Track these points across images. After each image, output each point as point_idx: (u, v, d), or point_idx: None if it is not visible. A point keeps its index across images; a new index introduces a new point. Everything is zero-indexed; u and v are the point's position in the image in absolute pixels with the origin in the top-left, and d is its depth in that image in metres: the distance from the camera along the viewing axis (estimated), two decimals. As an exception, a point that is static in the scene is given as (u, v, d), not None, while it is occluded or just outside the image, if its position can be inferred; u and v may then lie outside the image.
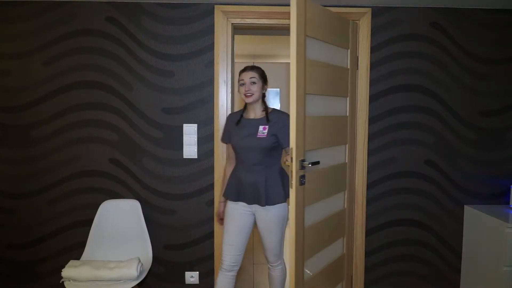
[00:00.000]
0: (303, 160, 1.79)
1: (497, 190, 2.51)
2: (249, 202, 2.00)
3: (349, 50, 2.28)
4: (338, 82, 2.16)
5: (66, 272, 2.03)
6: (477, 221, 2.38)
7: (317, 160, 1.87)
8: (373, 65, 2.43)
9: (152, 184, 2.41)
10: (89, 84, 2.36)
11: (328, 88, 2.06)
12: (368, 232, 2.50)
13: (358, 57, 2.41)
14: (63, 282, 2.06)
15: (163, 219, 2.42)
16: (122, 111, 2.38)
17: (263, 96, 2.04)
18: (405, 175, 2.48)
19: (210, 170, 2.41)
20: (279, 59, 4.88)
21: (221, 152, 2.40)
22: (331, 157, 2.14)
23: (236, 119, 2.07)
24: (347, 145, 2.33)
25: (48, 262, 2.42)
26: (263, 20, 2.40)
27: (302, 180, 1.79)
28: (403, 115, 2.46)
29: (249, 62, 4.65)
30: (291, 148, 1.74)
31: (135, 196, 2.41)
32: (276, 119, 1.97)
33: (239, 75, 2.00)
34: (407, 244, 2.52)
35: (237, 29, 2.53)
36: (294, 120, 1.73)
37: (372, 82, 2.43)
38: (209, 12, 2.36)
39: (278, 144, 1.97)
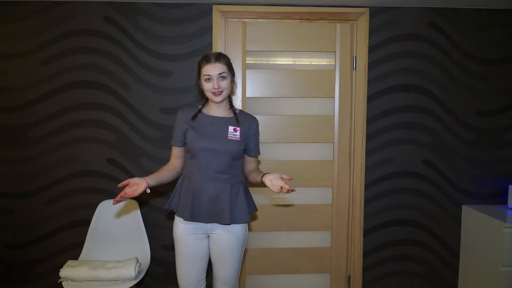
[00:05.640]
0: None
1: (495, 190, 2.51)
2: (207, 220, 1.64)
3: (336, 53, 2.42)
4: (316, 85, 2.43)
5: (64, 272, 2.03)
6: (474, 221, 2.39)
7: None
8: (371, 65, 2.43)
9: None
10: (87, 84, 2.36)
11: (299, 91, 2.41)
12: (366, 232, 2.50)
13: (355, 57, 2.42)
14: (61, 282, 2.06)
15: (161, 219, 2.42)
16: (120, 111, 2.38)
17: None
18: (403, 175, 2.49)
19: (208, 170, 2.41)
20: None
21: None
22: (301, 152, 2.45)
23: (190, 115, 1.70)
24: (334, 144, 2.47)
25: (46, 262, 2.42)
26: (261, 20, 2.40)
27: None
28: (401, 115, 2.46)
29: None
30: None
31: (133, 196, 2.40)
32: (247, 123, 1.70)
33: (202, 66, 1.64)
34: (405, 244, 2.53)
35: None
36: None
37: (370, 82, 2.44)
38: (207, 12, 2.36)
39: (244, 150, 1.72)
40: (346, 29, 2.43)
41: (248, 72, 2.42)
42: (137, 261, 2.11)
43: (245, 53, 2.41)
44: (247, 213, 1.66)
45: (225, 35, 2.38)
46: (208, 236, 1.72)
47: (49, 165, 2.38)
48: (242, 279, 2.50)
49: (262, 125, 2.44)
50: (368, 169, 2.47)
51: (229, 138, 1.65)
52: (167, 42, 2.36)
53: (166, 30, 2.36)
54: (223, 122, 1.68)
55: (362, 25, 2.40)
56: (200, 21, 2.36)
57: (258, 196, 2.48)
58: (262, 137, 2.44)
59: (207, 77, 1.63)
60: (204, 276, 1.77)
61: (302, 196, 2.50)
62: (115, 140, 2.39)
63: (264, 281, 2.53)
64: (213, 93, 1.63)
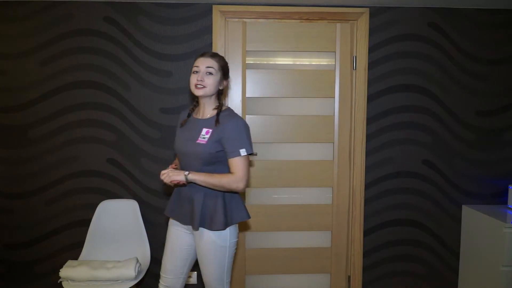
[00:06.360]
0: None
1: (495, 190, 2.51)
2: (183, 221, 1.66)
3: (336, 53, 2.42)
4: (316, 85, 2.43)
5: (64, 272, 2.03)
6: (475, 221, 2.39)
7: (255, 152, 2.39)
8: (371, 65, 2.43)
9: (150, 184, 2.41)
10: (87, 84, 2.36)
11: (299, 91, 2.42)
12: (366, 232, 2.50)
13: (355, 57, 2.42)
14: (61, 282, 2.06)
15: (161, 219, 2.42)
16: (120, 111, 2.38)
17: (220, 93, 1.67)
18: (403, 175, 2.49)
19: (208, 170, 2.41)
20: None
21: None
22: (301, 152, 2.47)
23: (183, 118, 1.73)
24: (334, 144, 2.46)
25: (46, 262, 2.42)
26: (261, 20, 2.40)
27: None
28: (401, 115, 2.46)
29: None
30: None
31: (133, 196, 2.41)
32: (223, 125, 1.59)
33: (195, 60, 1.64)
34: (405, 244, 2.52)
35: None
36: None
37: (370, 82, 2.44)
38: (207, 12, 2.36)
39: (223, 154, 1.60)
40: (346, 29, 2.43)
41: (248, 72, 2.42)
42: (137, 261, 2.11)
43: (245, 53, 2.41)
44: (222, 222, 1.58)
45: (225, 35, 2.38)
46: (193, 235, 1.71)
47: (49, 165, 2.37)
48: (242, 279, 2.49)
49: (262, 125, 2.44)
50: (368, 169, 2.47)
51: (197, 141, 1.60)
52: (167, 42, 2.36)
53: (166, 30, 2.36)
54: (201, 124, 1.64)
55: (362, 25, 2.40)
56: (200, 21, 2.36)
57: (258, 196, 2.48)
58: (262, 137, 2.44)
59: (195, 69, 1.61)
60: (184, 271, 1.75)
61: (302, 196, 2.50)
62: (115, 140, 2.39)
63: (264, 281, 2.53)
64: (196, 85, 1.59)
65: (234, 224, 1.65)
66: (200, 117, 1.67)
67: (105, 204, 2.33)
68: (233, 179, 1.56)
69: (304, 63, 2.47)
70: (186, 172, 1.56)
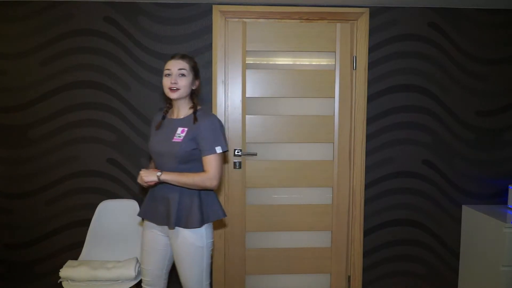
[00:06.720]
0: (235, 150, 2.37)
1: (495, 190, 2.51)
2: (158, 222, 1.66)
3: (336, 53, 2.42)
4: (316, 85, 2.43)
5: (64, 272, 2.03)
6: (475, 221, 2.39)
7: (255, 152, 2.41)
8: (371, 65, 2.43)
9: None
10: (87, 84, 2.36)
11: (299, 91, 2.42)
12: (366, 232, 2.50)
13: (355, 57, 2.42)
14: (61, 282, 2.06)
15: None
16: (120, 111, 2.38)
17: (193, 92, 1.70)
18: (403, 175, 2.49)
19: (208, 170, 2.41)
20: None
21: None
22: (301, 152, 2.47)
23: (158, 120, 1.75)
24: (334, 144, 2.46)
25: (46, 262, 2.42)
26: (261, 20, 2.40)
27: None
28: (401, 115, 2.46)
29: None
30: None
31: (133, 196, 2.41)
32: (199, 123, 1.62)
33: (166, 63, 1.68)
34: (405, 244, 2.52)
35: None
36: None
37: (370, 82, 2.44)
38: (207, 12, 2.36)
39: (199, 152, 1.63)
40: (346, 29, 2.43)
41: (248, 72, 2.42)
42: (137, 261, 2.11)
43: (245, 53, 2.41)
44: (199, 219, 1.59)
45: (225, 35, 2.38)
46: (169, 237, 1.70)
47: (49, 165, 2.38)
48: (242, 279, 2.50)
49: (262, 125, 2.44)
50: (368, 169, 2.47)
51: (173, 140, 1.62)
52: (167, 42, 2.36)
53: (166, 30, 2.36)
54: (176, 124, 1.67)
55: (362, 25, 2.40)
56: (200, 21, 2.36)
57: (258, 196, 2.48)
58: (262, 138, 2.44)
59: (167, 72, 1.64)
60: (163, 271, 1.76)
61: (302, 196, 2.50)
62: (115, 140, 2.39)
63: (264, 281, 2.53)
64: (170, 88, 1.62)
65: (210, 222, 1.67)
66: (175, 117, 1.70)
67: (105, 204, 2.33)
68: (207, 177, 1.59)
69: (304, 63, 2.47)
70: (159, 173, 1.58)
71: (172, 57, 1.67)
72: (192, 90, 1.69)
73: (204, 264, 1.65)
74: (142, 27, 2.35)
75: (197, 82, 1.71)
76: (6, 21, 2.31)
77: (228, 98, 2.42)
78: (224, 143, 1.63)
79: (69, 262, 2.11)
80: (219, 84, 2.39)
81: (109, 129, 2.38)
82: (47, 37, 2.33)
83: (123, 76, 2.37)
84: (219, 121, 1.66)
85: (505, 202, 2.50)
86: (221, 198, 2.43)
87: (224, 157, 1.67)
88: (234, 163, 2.43)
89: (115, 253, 2.27)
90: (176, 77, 1.62)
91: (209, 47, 2.37)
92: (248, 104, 2.45)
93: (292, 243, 2.52)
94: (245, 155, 2.43)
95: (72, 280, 2.03)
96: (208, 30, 2.37)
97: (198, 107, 1.69)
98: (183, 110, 1.69)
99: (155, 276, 1.74)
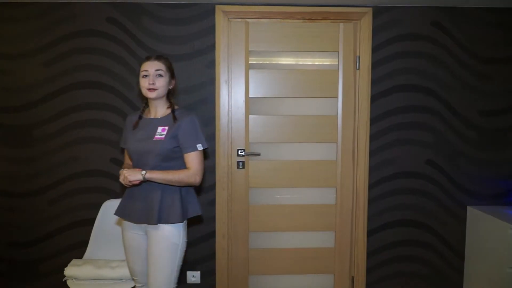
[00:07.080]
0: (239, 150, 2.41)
1: (500, 190, 2.49)
2: (137, 220, 1.68)
3: (339, 53, 2.41)
4: (319, 85, 2.43)
5: (69, 271, 2.05)
6: (480, 222, 2.37)
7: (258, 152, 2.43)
8: (374, 65, 2.42)
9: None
10: (90, 85, 2.38)
11: (302, 91, 2.43)
12: (370, 233, 2.49)
13: (359, 57, 2.41)
14: (65, 280, 2.08)
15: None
16: (123, 111, 2.39)
17: (170, 92, 1.75)
18: (407, 175, 2.47)
19: (211, 170, 2.42)
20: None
21: (223, 152, 2.41)
22: (304, 152, 2.47)
23: (134, 120, 1.77)
24: (337, 144, 2.46)
25: (51, 261, 2.44)
26: (264, 20, 2.40)
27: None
28: (404, 115, 2.45)
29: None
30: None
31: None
32: (180, 119, 1.67)
33: (142, 63, 1.71)
34: (409, 245, 2.51)
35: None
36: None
37: (374, 82, 2.43)
38: (210, 12, 2.36)
39: (179, 150, 1.67)
40: (349, 29, 2.42)
41: (251, 72, 2.43)
42: (140, 260, 2.12)
43: (248, 53, 2.41)
44: (179, 215, 1.64)
45: (228, 35, 2.38)
46: (146, 236, 1.72)
47: (53, 164, 2.40)
48: (245, 279, 2.50)
49: (265, 125, 2.44)
50: (372, 169, 2.46)
51: (155, 138, 1.66)
52: (170, 43, 2.37)
53: (169, 30, 2.37)
54: (155, 123, 1.70)
55: (365, 25, 2.39)
56: (203, 21, 2.37)
57: (261, 196, 2.48)
58: (265, 137, 2.44)
59: (144, 73, 1.68)
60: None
61: (306, 196, 2.50)
62: (118, 140, 2.40)
63: (267, 281, 2.53)
64: (148, 89, 1.67)
65: (189, 217, 1.70)
66: (153, 117, 1.74)
67: (109, 204, 2.34)
68: (190, 173, 1.65)
69: (307, 63, 2.47)
70: (143, 172, 1.60)
71: (148, 58, 1.71)
72: (169, 89, 1.74)
73: (176, 263, 1.67)
74: (145, 27, 2.36)
75: (173, 82, 1.76)
76: (10, 22, 2.34)
77: (231, 98, 2.43)
78: (204, 140, 1.70)
79: (74, 261, 2.13)
80: (223, 84, 2.39)
81: (112, 129, 2.40)
82: (50, 38, 2.35)
83: (126, 76, 2.38)
84: (198, 119, 1.72)
85: (510, 203, 2.48)
86: (224, 198, 2.43)
87: (204, 154, 1.74)
88: (238, 163, 2.44)
89: (119, 252, 2.28)
90: (154, 77, 1.67)
91: (212, 47, 2.38)
92: (251, 104, 2.45)
93: (295, 243, 2.51)
94: (248, 155, 2.44)
95: (77, 278, 2.05)
96: (211, 30, 2.37)
97: (176, 107, 1.74)
98: (160, 109, 1.74)
99: (144, 274, 1.76)
